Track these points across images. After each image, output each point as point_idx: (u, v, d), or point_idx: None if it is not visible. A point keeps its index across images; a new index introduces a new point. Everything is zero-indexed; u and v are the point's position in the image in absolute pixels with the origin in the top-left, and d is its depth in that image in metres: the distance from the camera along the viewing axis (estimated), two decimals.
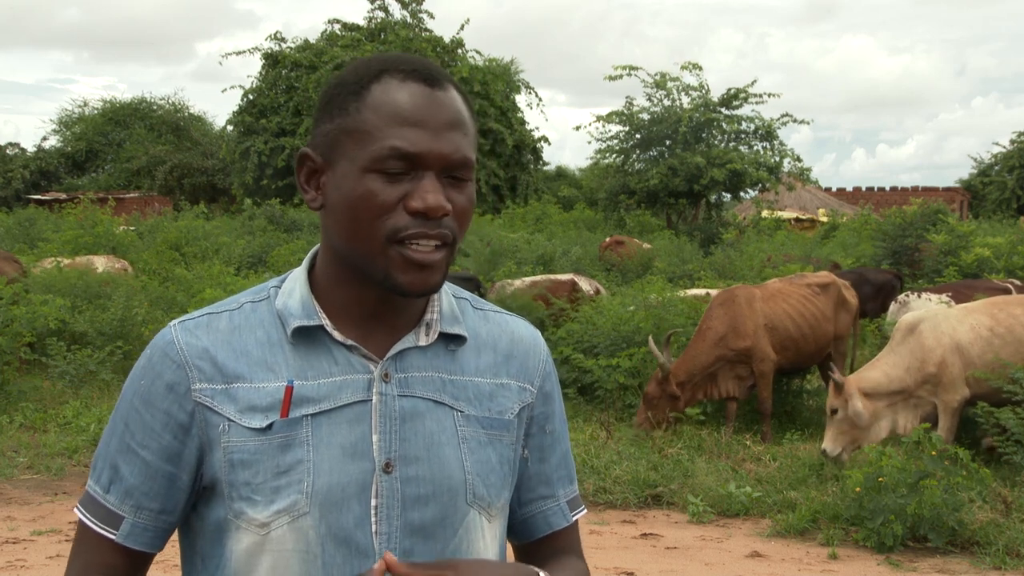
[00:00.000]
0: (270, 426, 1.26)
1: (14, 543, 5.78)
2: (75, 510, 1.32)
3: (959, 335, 7.01)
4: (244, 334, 1.31)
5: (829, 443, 6.99)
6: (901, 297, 9.35)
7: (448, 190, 1.25)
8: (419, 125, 1.24)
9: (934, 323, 7.10)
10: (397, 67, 1.27)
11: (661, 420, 8.09)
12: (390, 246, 1.24)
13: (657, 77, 24.65)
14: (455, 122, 1.26)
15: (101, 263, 12.91)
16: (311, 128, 1.35)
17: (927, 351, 6.99)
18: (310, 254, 1.37)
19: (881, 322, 9.39)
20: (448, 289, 1.40)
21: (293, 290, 1.33)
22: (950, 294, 9.15)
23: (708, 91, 24.89)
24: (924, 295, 9.19)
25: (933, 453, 5.93)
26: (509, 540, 1.46)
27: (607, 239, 18.27)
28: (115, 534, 1.29)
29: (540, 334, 1.48)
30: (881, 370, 7.13)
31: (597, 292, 11.37)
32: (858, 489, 5.99)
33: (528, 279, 11.73)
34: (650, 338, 8.41)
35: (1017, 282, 9.86)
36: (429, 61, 1.30)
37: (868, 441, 7.00)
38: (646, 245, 17.22)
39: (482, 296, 6.57)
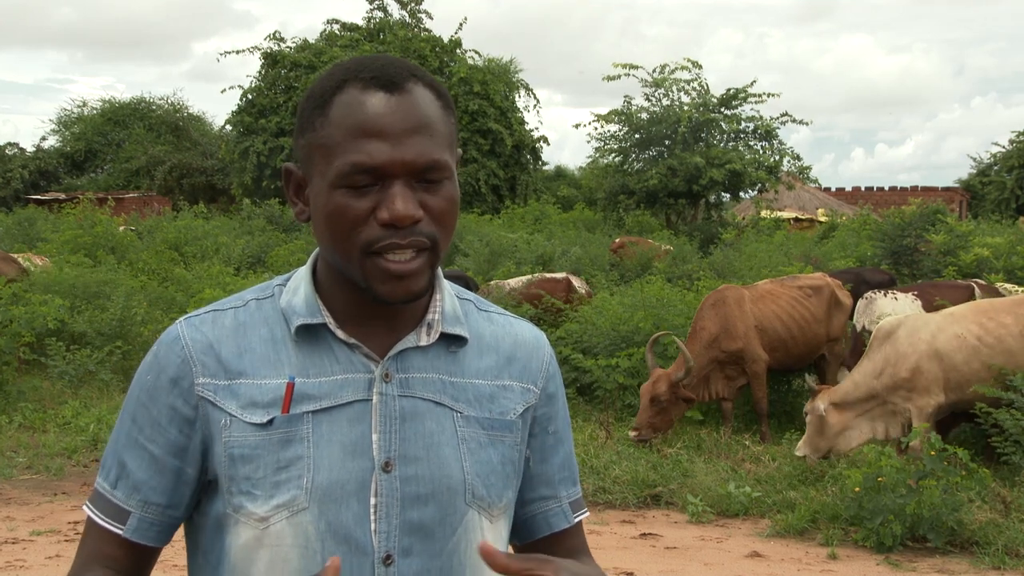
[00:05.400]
0: (271, 422, 1.27)
1: (13, 543, 5.78)
2: (84, 507, 1.34)
3: (939, 342, 6.94)
4: (248, 331, 1.33)
5: (800, 442, 7.18)
6: (868, 294, 9.37)
7: (421, 194, 1.25)
8: (379, 136, 1.23)
9: (911, 328, 7.06)
10: (357, 75, 1.26)
11: (667, 426, 7.92)
12: (367, 258, 1.25)
13: (656, 74, 24.63)
14: (418, 126, 1.24)
15: (21, 260, 12.77)
16: (292, 140, 1.36)
17: (900, 356, 6.95)
18: (314, 254, 1.38)
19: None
20: (452, 290, 1.41)
21: (298, 288, 1.35)
22: (916, 292, 9.22)
23: (707, 91, 24.88)
24: (890, 294, 9.24)
25: (932, 453, 5.93)
26: (512, 541, 1.46)
27: (617, 240, 18.27)
28: (122, 529, 1.31)
29: (544, 336, 1.49)
30: (851, 379, 7.14)
31: (589, 294, 11.39)
32: (857, 489, 6.00)
33: (523, 278, 11.73)
34: (674, 338, 8.29)
35: (982, 281, 9.94)
36: (393, 61, 1.29)
37: (837, 450, 7.04)
38: (666, 247, 17.17)
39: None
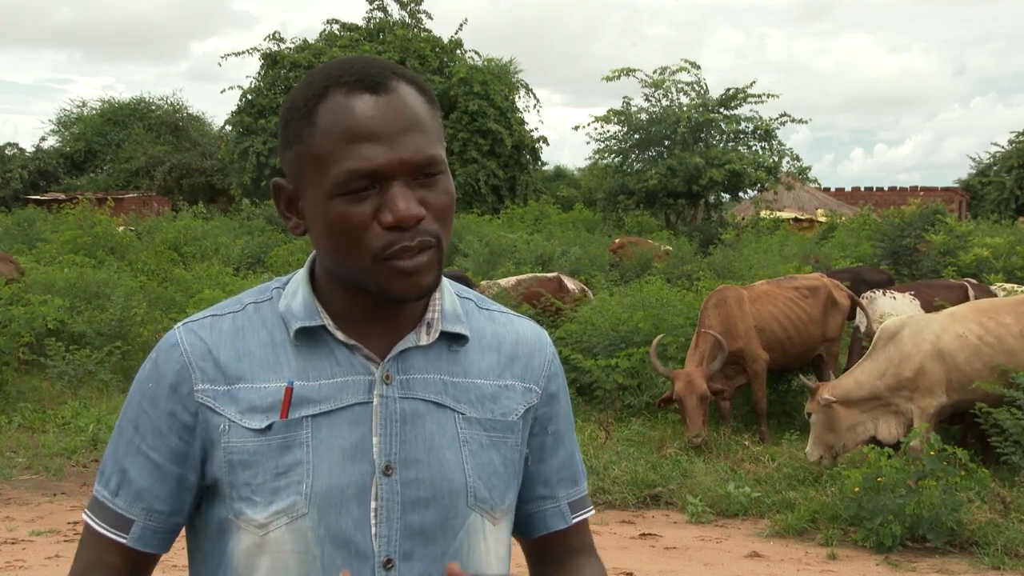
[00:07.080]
0: (269, 427, 1.26)
1: (13, 543, 5.78)
2: (84, 515, 1.32)
3: (943, 343, 6.94)
4: (247, 335, 1.31)
5: (808, 447, 7.15)
6: (868, 294, 9.43)
7: (420, 191, 1.24)
8: (372, 139, 1.21)
9: (915, 328, 7.06)
10: (339, 80, 1.24)
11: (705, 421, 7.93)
12: (378, 264, 1.23)
13: (655, 76, 24.62)
14: (410, 123, 1.23)
15: None
16: (278, 154, 1.33)
17: (904, 356, 6.95)
18: (311, 256, 1.37)
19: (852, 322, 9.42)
20: (452, 288, 1.40)
21: (296, 292, 1.33)
22: (913, 292, 9.28)
23: (706, 91, 24.86)
24: (888, 293, 9.29)
25: (932, 453, 5.94)
26: (514, 535, 1.45)
27: (616, 240, 18.27)
28: (125, 538, 1.29)
29: (546, 334, 1.47)
30: (853, 377, 7.13)
31: (584, 293, 11.39)
32: (857, 489, 6.00)
33: (513, 278, 11.72)
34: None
35: (974, 281, 10.02)
36: (372, 61, 1.27)
37: (845, 447, 7.04)
38: (665, 247, 17.17)
39: None
